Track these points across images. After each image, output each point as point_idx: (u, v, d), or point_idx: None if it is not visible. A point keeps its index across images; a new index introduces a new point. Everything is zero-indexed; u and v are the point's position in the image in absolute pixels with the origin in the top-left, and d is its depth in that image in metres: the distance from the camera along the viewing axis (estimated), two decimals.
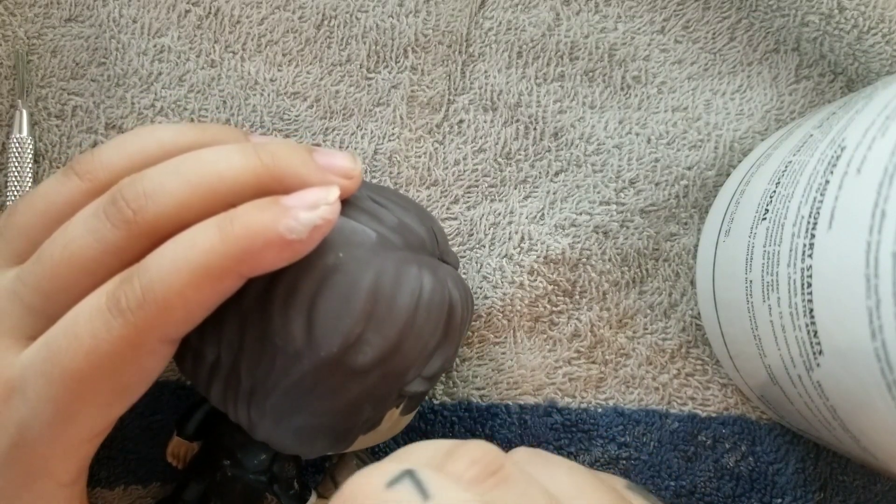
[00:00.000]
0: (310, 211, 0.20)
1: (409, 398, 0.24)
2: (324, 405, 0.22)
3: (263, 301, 0.22)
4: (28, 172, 0.31)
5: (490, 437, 0.31)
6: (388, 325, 0.22)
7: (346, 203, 0.23)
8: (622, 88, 0.33)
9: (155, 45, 0.32)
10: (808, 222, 0.23)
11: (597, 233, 0.32)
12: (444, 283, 0.23)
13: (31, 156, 0.31)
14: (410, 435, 0.31)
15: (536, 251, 0.32)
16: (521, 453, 0.21)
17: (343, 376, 0.22)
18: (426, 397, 0.32)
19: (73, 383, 0.20)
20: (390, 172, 0.32)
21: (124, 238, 0.21)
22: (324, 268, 0.22)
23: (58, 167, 0.32)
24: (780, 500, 0.31)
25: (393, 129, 0.33)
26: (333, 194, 0.21)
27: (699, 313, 0.32)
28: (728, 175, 0.32)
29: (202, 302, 0.20)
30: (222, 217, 0.20)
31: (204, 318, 0.21)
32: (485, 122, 0.33)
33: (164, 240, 0.21)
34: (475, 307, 0.31)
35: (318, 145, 0.32)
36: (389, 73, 0.33)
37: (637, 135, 0.32)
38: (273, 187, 0.21)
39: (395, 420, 0.24)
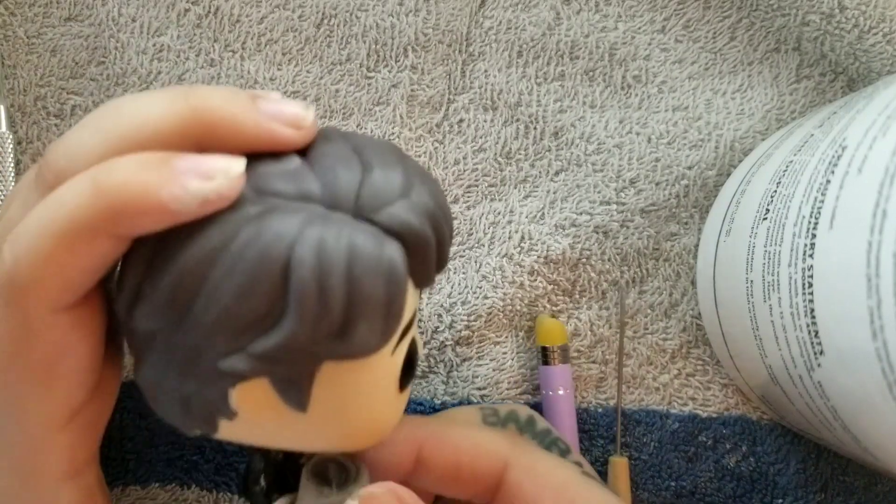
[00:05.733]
0: (203, 181, 0.17)
1: (279, 382, 0.19)
2: (145, 371, 0.19)
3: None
4: (10, 167, 0.31)
5: None
6: (162, 275, 0.18)
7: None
8: (623, 88, 0.33)
9: (154, 44, 0.32)
10: (809, 222, 0.23)
11: (597, 233, 0.32)
12: (290, 239, 0.17)
13: (11, 150, 0.31)
14: None
15: (537, 251, 0.32)
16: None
17: (130, 336, 0.20)
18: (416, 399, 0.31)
19: None
20: None
21: None
22: None
23: None
24: (781, 501, 0.31)
25: (393, 128, 0.32)
26: (238, 167, 0.18)
27: (700, 313, 0.32)
28: (729, 175, 0.32)
29: (80, 265, 0.18)
30: (100, 168, 0.18)
31: (102, 277, 0.19)
32: (485, 121, 0.33)
33: None
34: (474, 307, 0.31)
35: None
36: (389, 72, 0.33)
37: (637, 134, 0.32)
38: (204, 137, 0.19)
39: (270, 405, 0.19)
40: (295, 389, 0.19)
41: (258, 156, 0.19)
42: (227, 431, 0.20)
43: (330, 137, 0.20)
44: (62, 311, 0.19)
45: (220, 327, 0.18)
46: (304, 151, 0.20)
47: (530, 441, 0.25)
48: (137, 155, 0.18)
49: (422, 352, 0.22)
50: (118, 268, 0.19)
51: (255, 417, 0.19)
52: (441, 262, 0.20)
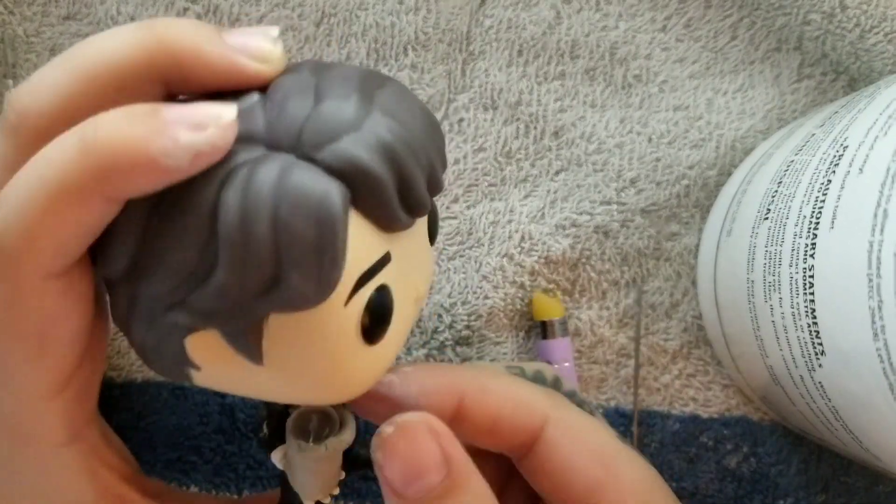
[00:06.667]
0: (194, 132, 0.16)
1: (228, 335, 0.18)
2: (117, 317, 0.19)
3: None
4: None
5: None
6: (121, 222, 0.18)
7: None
8: (623, 87, 0.32)
9: None
10: (810, 222, 0.23)
11: (597, 232, 0.32)
12: (218, 184, 0.17)
13: None
14: None
15: (537, 252, 0.32)
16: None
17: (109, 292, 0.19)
18: None
19: None
20: None
21: (13, 148, 0.18)
22: None
23: None
24: (782, 502, 0.31)
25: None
26: (229, 114, 0.17)
27: (701, 313, 0.32)
28: (730, 174, 0.32)
29: (72, 230, 0.17)
30: (86, 124, 0.17)
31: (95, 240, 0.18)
32: (485, 120, 0.33)
33: None
34: (474, 307, 0.31)
35: None
36: (389, 71, 0.33)
37: (638, 134, 0.32)
38: (170, 70, 0.18)
39: (227, 357, 0.19)
40: (244, 342, 0.18)
41: (221, 94, 0.18)
42: (201, 381, 0.19)
43: (299, 69, 0.19)
44: (54, 277, 0.18)
45: (160, 279, 0.17)
46: (268, 85, 0.18)
47: (568, 400, 0.25)
48: (125, 107, 0.17)
49: (405, 324, 0.21)
50: None
51: (218, 369, 0.19)
52: (413, 201, 0.18)
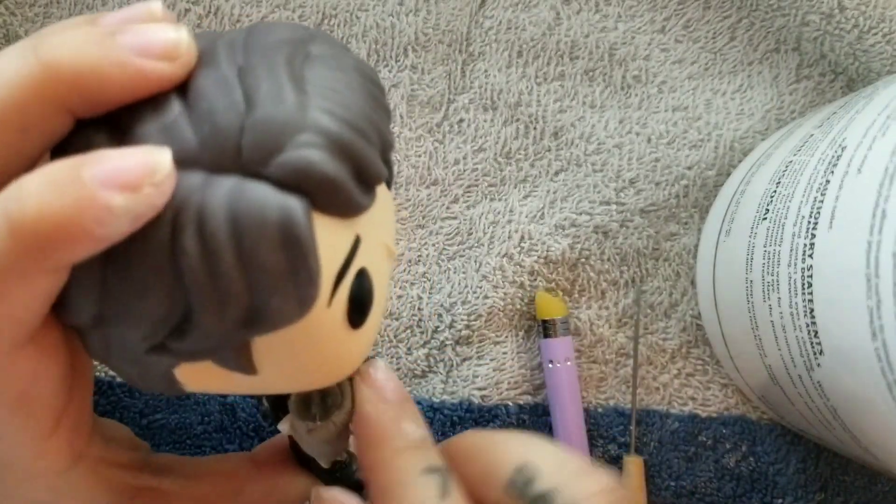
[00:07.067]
0: (128, 194, 0.14)
1: (216, 359, 0.18)
2: (94, 353, 0.19)
3: None
4: None
5: None
6: (77, 276, 0.16)
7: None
8: (622, 88, 0.33)
9: None
10: (809, 222, 0.23)
11: (597, 233, 0.32)
12: (168, 226, 0.15)
13: None
14: None
15: (537, 252, 0.32)
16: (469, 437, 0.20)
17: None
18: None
19: None
20: None
21: None
22: None
23: None
24: (780, 501, 0.31)
25: (393, 127, 0.32)
26: (163, 164, 0.15)
27: (699, 313, 0.32)
28: (728, 175, 0.32)
29: (22, 305, 0.16)
30: (8, 200, 0.15)
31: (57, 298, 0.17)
32: (485, 121, 0.33)
33: None
34: (474, 306, 0.31)
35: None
36: (389, 72, 0.33)
37: (637, 134, 0.32)
38: (69, 96, 0.16)
39: (217, 373, 0.18)
40: (234, 362, 0.17)
41: (132, 107, 0.16)
42: (193, 389, 0.19)
43: (214, 60, 0.17)
44: (20, 346, 0.17)
45: (131, 327, 0.16)
46: (185, 84, 0.16)
47: None
48: (44, 171, 0.15)
49: (384, 286, 0.20)
50: None
51: (210, 383, 0.18)
52: (371, 179, 0.17)
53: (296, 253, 0.15)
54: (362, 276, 0.18)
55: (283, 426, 0.22)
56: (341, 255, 0.17)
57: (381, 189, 0.18)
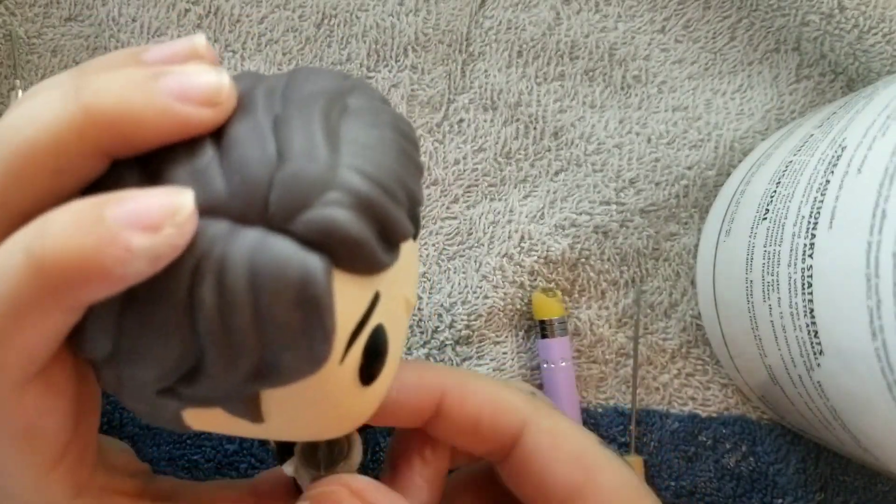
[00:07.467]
0: (148, 234, 0.14)
1: (225, 406, 0.18)
2: (105, 387, 0.19)
3: None
4: None
5: None
6: (95, 313, 0.17)
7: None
8: (622, 88, 0.33)
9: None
10: (809, 222, 0.23)
11: (597, 233, 0.32)
12: (189, 276, 0.15)
13: None
14: None
15: (537, 252, 0.32)
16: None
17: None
18: None
19: None
20: None
21: None
22: None
23: None
24: (780, 501, 0.31)
25: None
26: (185, 207, 0.15)
27: (699, 313, 0.32)
28: (728, 175, 0.32)
29: (36, 341, 0.16)
30: (30, 236, 0.15)
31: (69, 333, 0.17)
32: (485, 121, 0.33)
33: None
34: (474, 306, 0.31)
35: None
36: (389, 72, 0.33)
37: (637, 134, 0.32)
38: (107, 140, 0.16)
39: (224, 419, 0.18)
40: (242, 411, 0.17)
41: (167, 149, 0.16)
42: (201, 429, 0.19)
43: (251, 105, 0.17)
44: (28, 382, 0.17)
45: (144, 368, 0.16)
46: (222, 128, 0.17)
47: (550, 404, 0.24)
48: (68, 209, 0.15)
49: (400, 339, 0.20)
50: None
51: (217, 426, 0.18)
52: (396, 238, 0.17)
53: (312, 312, 0.15)
54: (378, 332, 0.18)
55: (288, 469, 0.22)
56: (359, 313, 0.17)
57: (406, 244, 0.18)
